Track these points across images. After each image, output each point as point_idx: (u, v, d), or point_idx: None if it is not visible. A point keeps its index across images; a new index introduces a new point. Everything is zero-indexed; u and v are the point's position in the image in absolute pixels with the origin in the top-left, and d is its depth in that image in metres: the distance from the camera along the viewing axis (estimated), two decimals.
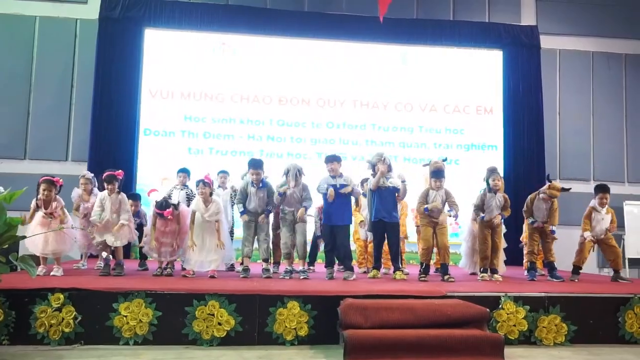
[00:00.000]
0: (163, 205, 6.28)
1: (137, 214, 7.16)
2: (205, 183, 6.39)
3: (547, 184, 7.20)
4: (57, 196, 6.20)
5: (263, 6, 10.78)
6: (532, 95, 10.98)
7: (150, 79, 10.37)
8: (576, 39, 11.41)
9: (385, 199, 6.80)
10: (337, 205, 6.58)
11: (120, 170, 6.56)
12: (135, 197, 7.27)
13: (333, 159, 6.72)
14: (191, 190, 7.25)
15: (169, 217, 6.28)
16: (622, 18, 11.50)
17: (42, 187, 6.08)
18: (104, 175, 6.38)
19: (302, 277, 6.41)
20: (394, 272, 6.91)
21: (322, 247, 7.42)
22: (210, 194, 6.46)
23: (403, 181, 6.93)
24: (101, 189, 6.53)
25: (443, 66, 11.04)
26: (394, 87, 10.88)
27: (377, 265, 6.99)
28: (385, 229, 6.82)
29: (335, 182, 6.62)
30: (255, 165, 6.62)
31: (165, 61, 10.46)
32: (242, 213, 6.60)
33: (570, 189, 7.43)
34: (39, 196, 6.08)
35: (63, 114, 10.10)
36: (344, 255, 6.69)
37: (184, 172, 7.51)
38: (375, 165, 6.89)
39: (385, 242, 6.94)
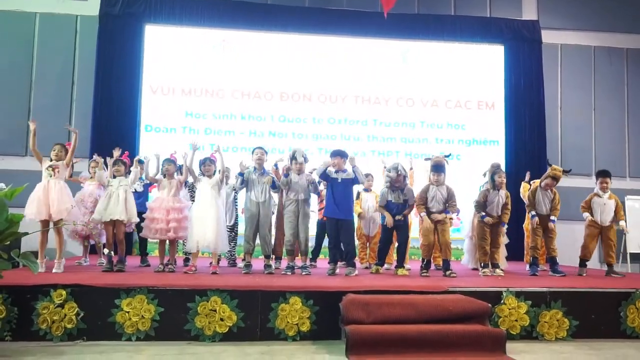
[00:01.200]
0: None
1: (141, 178, 7.28)
2: (211, 161, 6.61)
3: (548, 167, 7.22)
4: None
5: (264, 2, 10.77)
6: (534, 90, 10.97)
7: (151, 75, 10.37)
8: (577, 33, 11.40)
9: (397, 207, 6.82)
10: (340, 197, 6.54)
11: (126, 152, 6.97)
12: (140, 162, 7.33)
13: (337, 154, 6.67)
14: (192, 185, 7.26)
15: (173, 157, 6.76)
16: (624, 13, 11.47)
17: (55, 148, 6.36)
18: (111, 160, 6.53)
19: (304, 273, 6.42)
20: (396, 267, 6.91)
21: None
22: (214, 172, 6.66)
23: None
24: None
25: (444, 61, 11.03)
26: (395, 82, 10.87)
27: (380, 263, 7.00)
28: (396, 228, 6.85)
29: (337, 175, 6.60)
30: (260, 147, 6.77)
31: (165, 57, 10.45)
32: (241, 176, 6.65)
33: (570, 170, 7.51)
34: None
35: (64, 110, 10.10)
36: (348, 252, 6.67)
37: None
38: (392, 178, 6.82)
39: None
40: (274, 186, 6.67)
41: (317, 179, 6.77)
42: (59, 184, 6.15)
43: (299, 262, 6.75)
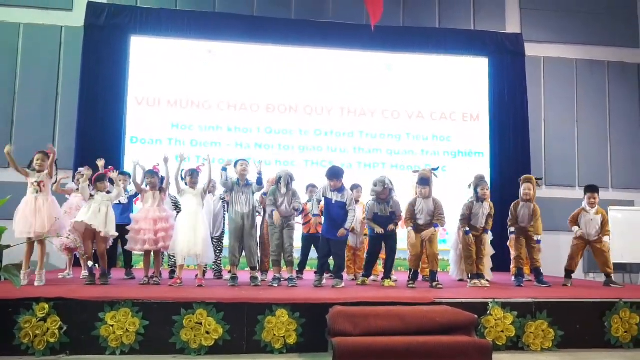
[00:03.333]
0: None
1: (126, 190, 7.28)
2: (197, 173, 6.59)
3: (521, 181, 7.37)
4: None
5: (250, 14, 10.79)
6: (518, 102, 11.09)
7: (136, 87, 10.32)
8: (560, 46, 11.55)
9: (384, 220, 6.83)
10: (336, 218, 6.55)
11: (110, 167, 6.88)
12: (124, 174, 7.48)
13: (334, 176, 6.59)
14: (176, 201, 7.23)
15: (156, 169, 6.65)
16: (605, 26, 11.66)
17: (36, 157, 6.24)
18: (95, 175, 6.50)
19: (290, 285, 6.39)
20: (382, 279, 6.91)
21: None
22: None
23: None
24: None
25: (429, 73, 11.11)
26: (381, 94, 10.93)
27: (367, 274, 7.03)
28: (383, 240, 6.89)
29: (332, 196, 6.59)
30: (244, 159, 6.79)
31: (151, 69, 10.42)
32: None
33: (541, 178, 7.76)
34: (32, 165, 6.21)
35: (48, 122, 10.02)
36: (338, 264, 6.70)
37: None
38: (378, 192, 6.81)
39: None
40: (259, 181, 6.66)
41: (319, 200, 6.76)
42: (47, 201, 6.12)
43: (285, 274, 6.73)
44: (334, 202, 6.57)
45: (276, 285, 6.41)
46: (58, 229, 6.24)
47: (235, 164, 6.73)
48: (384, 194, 6.79)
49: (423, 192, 6.86)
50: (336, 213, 6.56)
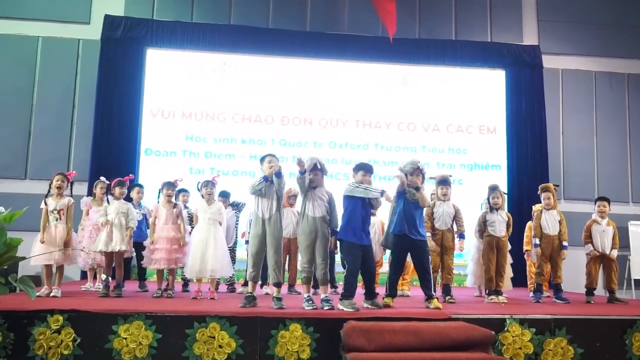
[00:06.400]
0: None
1: (140, 204, 7.26)
2: (213, 184, 6.49)
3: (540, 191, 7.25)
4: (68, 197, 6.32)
5: (265, 26, 10.82)
6: (535, 114, 10.98)
7: (151, 99, 10.39)
8: (578, 58, 11.45)
9: (412, 212, 5.83)
10: (365, 220, 5.60)
11: (131, 175, 6.96)
12: (140, 186, 7.46)
13: (364, 169, 5.69)
14: (191, 212, 7.23)
15: (176, 183, 6.63)
16: (624, 38, 11.55)
17: (55, 178, 6.20)
18: (114, 180, 6.51)
19: (326, 308, 5.35)
20: (426, 299, 5.84)
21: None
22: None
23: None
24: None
25: (446, 86, 11.06)
26: (397, 106, 10.89)
27: (392, 292, 6.00)
28: (410, 247, 5.90)
29: (366, 194, 5.56)
30: (271, 154, 5.78)
31: (166, 81, 10.48)
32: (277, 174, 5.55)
33: (558, 185, 7.62)
34: (50, 193, 6.20)
35: (64, 133, 10.11)
36: (370, 282, 5.76)
37: (185, 191, 7.53)
38: (408, 175, 5.86)
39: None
40: (278, 174, 5.56)
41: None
42: (66, 229, 6.15)
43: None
44: (367, 199, 5.56)
45: (310, 307, 5.35)
46: (76, 256, 6.41)
47: (262, 160, 5.73)
48: (416, 179, 5.83)
49: (447, 194, 6.79)
50: (366, 214, 5.60)
